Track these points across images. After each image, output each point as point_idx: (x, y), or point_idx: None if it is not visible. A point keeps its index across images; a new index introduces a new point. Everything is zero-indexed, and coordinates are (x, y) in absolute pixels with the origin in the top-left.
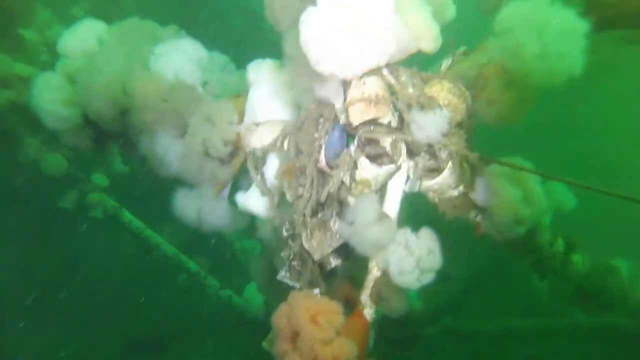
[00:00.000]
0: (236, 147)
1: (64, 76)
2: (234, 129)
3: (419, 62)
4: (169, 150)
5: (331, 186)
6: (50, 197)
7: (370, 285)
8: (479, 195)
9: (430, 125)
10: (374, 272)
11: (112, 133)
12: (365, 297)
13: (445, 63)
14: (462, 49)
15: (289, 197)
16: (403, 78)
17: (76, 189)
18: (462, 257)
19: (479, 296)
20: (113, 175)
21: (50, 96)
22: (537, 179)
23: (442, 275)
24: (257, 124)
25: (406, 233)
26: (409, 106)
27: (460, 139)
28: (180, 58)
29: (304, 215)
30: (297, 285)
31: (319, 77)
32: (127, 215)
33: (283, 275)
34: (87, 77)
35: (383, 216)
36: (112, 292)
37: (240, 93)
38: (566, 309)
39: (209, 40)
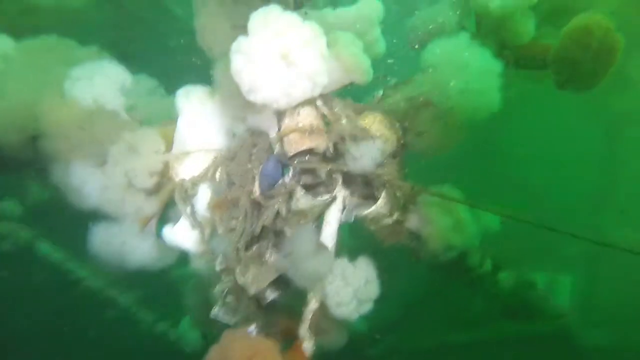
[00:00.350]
0: (164, 177)
1: None
2: (161, 159)
3: (353, 93)
4: (87, 182)
5: (265, 219)
6: None
7: (309, 318)
8: (412, 222)
9: (363, 156)
10: (313, 304)
11: (21, 159)
12: (304, 330)
13: (378, 95)
14: (393, 81)
15: (220, 230)
16: (337, 109)
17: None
18: (402, 276)
19: (419, 314)
20: (29, 202)
21: None
22: (466, 206)
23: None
24: (187, 153)
25: (343, 263)
26: (343, 137)
27: (393, 169)
28: (100, 82)
29: (237, 249)
30: (232, 322)
31: (251, 106)
32: (44, 248)
33: (217, 312)
34: None
35: (320, 247)
36: (31, 331)
37: (171, 120)
38: (498, 321)
39: (143, 63)
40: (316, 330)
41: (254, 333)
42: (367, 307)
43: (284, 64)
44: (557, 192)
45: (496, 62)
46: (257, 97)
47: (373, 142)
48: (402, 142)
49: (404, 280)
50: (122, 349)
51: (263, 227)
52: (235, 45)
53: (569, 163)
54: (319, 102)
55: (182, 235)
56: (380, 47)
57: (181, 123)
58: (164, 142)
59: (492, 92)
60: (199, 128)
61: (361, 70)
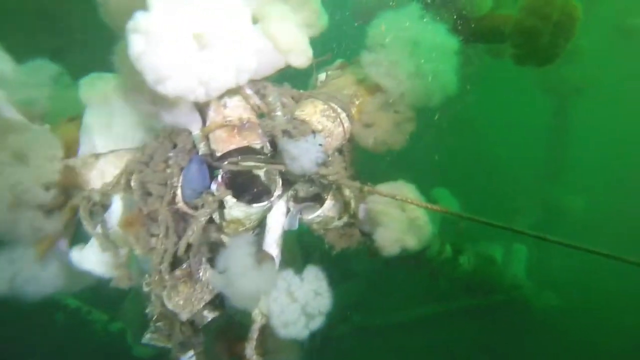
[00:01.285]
0: (71, 187)
1: None
2: (56, 167)
3: (290, 78)
4: None
5: (191, 234)
6: None
7: (255, 337)
8: (364, 225)
9: (303, 155)
10: (259, 321)
11: None
12: (250, 350)
13: (320, 78)
14: (338, 62)
15: (137, 251)
16: (270, 98)
17: None
18: (364, 253)
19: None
20: None
21: None
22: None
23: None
24: (96, 156)
25: (288, 277)
26: (278, 132)
27: (339, 167)
28: None
29: (160, 272)
30: (168, 346)
31: (163, 99)
32: None
33: (148, 338)
34: None
35: (262, 259)
36: None
37: (77, 115)
38: (461, 296)
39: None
40: (264, 350)
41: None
42: (318, 321)
43: (197, 45)
44: (515, 162)
45: (452, 37)
46: (166, 89)
47: (313, 137)
48: (347, 135)
49: (366, 262)
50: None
51: (189, 245)
52: (131, 23)
53: (523, 134)
54: (249, 91)
55: (92, 259)
56: (323, 21)
57: (86, 119)
58: (66, 143)
59: (448, 73)
60: (109, 124)
61: (298, 50)
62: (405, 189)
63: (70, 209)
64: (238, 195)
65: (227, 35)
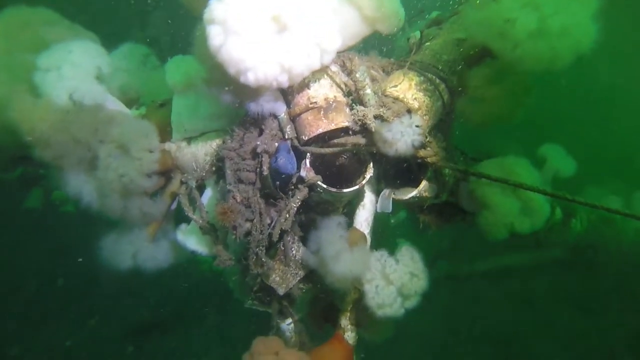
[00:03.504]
0: (167, 171)
1: None
2: (155, 157)
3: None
4: (82, 191)
5: (284, 222)
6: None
7: (349, 308)
8: (466, 203)
9: (398, 139)
10: (352, 295)
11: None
12: (345, 320)
13: (412, 39)
14: (433, 15)
15: (234, 237)
16: (358, 74)
17: (40, 187)
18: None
19: (470, 239)
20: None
21: None
22: (534, 175)
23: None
24: (189, 140)
25: (383, 258)
26: (369, 120)
27: (437, 146)
28: (72, 73)
29: (257, 255)
30: (269, 310)
31: (245, 88)
32: None
33: (250, 303)
34: None
35: (354, 238)
36: (105, 279)
37: (164, 100)
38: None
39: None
40: (358, 321)
41: (291, 328)
42: (414, 301)
43: (276, 28)
44: None
45: None
46: (248, 80)
47: (409, 118)
48: (449, 110)
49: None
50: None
51: (282, 231)
52: (207, 13)
53: None
54: (334, 67)
55: (195, 241)
56: None
57: (175, 104)
58: (160, 128)
59: (583, 25)
60: (195, 109)
61: (387, 14)
62: (517, 167)
63: (171, 194)
64: (328, 179)
65: (307, 13)
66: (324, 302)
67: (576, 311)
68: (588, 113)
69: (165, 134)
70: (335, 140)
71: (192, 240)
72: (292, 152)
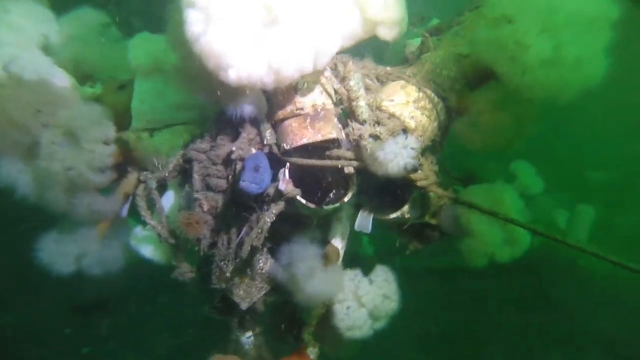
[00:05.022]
0: (123, 162)
1: None
2: (110, 150)
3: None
4: (17, 181)
5: (255, 237)
6: None
7: (314, 323)
8: (448, 225)
9: (390, 160)
10: (319, 310)
11: None
12: (308, 335)
13: (410, 48)
14: (433, 22)
15: (199, 249)
16: (352, 82)
17: None
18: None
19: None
20: None
21: None
22: (519, 205)
23: None
24: (151, 132)
25: (356, 278)
26: (364, 140)
27: (429, 169)
28: (9, 38)
29: (221, 269)
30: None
31: (224, 85)
32: None
33: (209, 312)
34: None
35: (330, 260)
36: None
37: (124, 81)
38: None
39: None
40: (321, 337)
41: (251, 341)
42: (383, 322)
43: (266, 20)
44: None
45: (612, 3)
46: (229, 77)
47: (405, 138)
48: (443, 131)
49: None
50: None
51: (252, 248)
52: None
53: None
54: (327, 72)
55: (151, 247)
56: None
57: (138, 88)
58: (117, 114)
59: (595, 61)
60: (161, 95)
61: (392, 20)
62: (505, 196)
63: (126, 192)
64: (305, 188)
65: (303, 6)
66: (287, 313)
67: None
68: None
69: (122, 120)
70: (327, 153)
71: (147, 247)
72: (262, 168)
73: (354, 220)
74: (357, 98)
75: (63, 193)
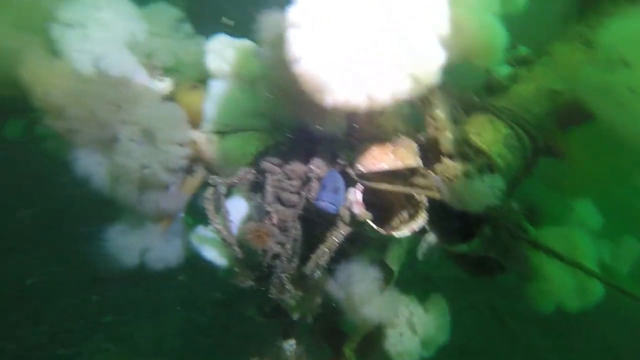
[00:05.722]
0: (192, 159)
1: None
2: (185, 152)
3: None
4: (93, 172)
5: (321, 257)
6: None
7: (357, 340)
8: (515, 264)
9: (473, 198)
10: (365, 328)
11: None
12: (349, 351)
13: (495, 74)
14: (522, 51)
15: (263, 260)
16: (439, 110)
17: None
18: None
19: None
20: None
21: None
22: (591, 253)
23: None
24: (222, 135)
25: (411, 306)
26: (457, 174)
27: (510, 206)
28: (99, 35)
29: (280, 281)
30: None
31: (313, 104)
32: None
33: (257, 315)
34: None
35: (387, 284)
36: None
37: (198, 81)
38: None
39: None
40: (364, 354)
41: (293, 349)
42: (432, 351)
43: (369, 48)
44: None
45: None
46: (326, 101)
47: (491, 177)
48: (527, 171)
49: None
50: None
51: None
52: (293, 13)
53: None
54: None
55: (213, 249)
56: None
57: (213, 92)
58: (189, 113)
59: None
60: (235, 101)
61: (493, 47)
62: (580, 243)
63: (193, 185)
64: (370, 208)
65: (407, 35)
66: (330, 324)
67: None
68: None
69: (194, 120)
70: (403, 179)
71: (209, 249)
72: (340, 189)
73: (412, 243)
74: (443, 128)
75: (135, 188)
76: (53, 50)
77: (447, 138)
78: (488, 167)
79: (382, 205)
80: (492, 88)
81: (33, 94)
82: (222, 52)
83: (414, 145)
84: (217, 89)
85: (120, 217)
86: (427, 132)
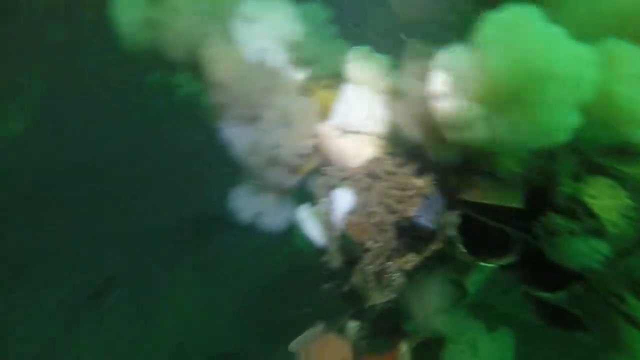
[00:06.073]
0: (313, 149)
1: None
2: (312, 143)
3: None
4: (236, 140)
5: (406, 264)
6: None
7: (417, 341)
8: (602, 333)
9: (571, 256)
10: (426, 333)
11: None
12: (406, 347)
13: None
14: None
15: (354, 250)
16: (556, 164)
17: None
18: None
19: None
20: None
21: (127, 16)
22: None
23: None
24: (344, 133)
25: (479, 332)
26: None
27: (609, 273)
28: (268, 32)
29: (364, 273)
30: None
31: (439, 135)
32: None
33: (332, 291)
34: (164, 15)
35: (457, 302)
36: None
37: (332, 81)
38: None
39: None
40: (418, 356)
41: (356, 329)
42: None
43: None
44: None
45: None
46: (460, 139)
47: (597, 240)
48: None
49: None
50: None
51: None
52: (439, 58)
53: None
54: None
55: (313, 229)
56: None
57: (347, 95)
58: (320, 109)
59: None
60: (363, 108)
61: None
62: None
63: (309, 168)
64: (468, 242)
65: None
66: (393, 318)
67: None
68: None
69: (323, 114)
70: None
71: (310, 224)
72: (440, 211)
73: (495, 274)
74: (557, 182)
75: (264, 161)
76: (229, 37)
77: (558, 192)
78: (597, 231)
79: (476, 233)
80: (624, 153)
81: (207, 70)
82: (361, 62)
83: (522, 188)
84: (349, 93)
85: (245, 181)
86: (539, 179)
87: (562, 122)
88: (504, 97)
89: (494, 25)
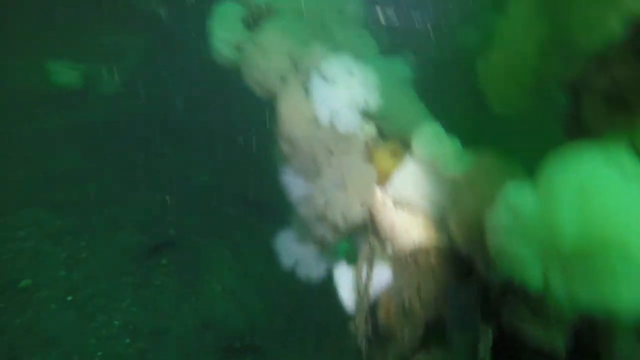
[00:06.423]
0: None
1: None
2: (362, 213)
3: None
4: (294, 189)
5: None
6: None
7: None
8: None
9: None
10: None
11: None
12: None
13: None
14: None
15: (380, 330)
16: None
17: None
18: None
19: None
20: None
21: (222, 32)
22: None
23: None
24: (396, 204)
25: None
26: None
27: None
28: (342, 95)
29: (385, 357)
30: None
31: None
32: None
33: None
34: (253, 47)
35: None
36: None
37: (399, 149)
38: None
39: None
40: None
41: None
42: None
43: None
44: None
45: None
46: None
47: None
48: None
49: None
50: None
51: None
52: (505, 189)
53: None
54: None
55: (345, 286)
56: None
57: (406, 168)
58: (379, 174)
59: None
60: (421, 183)
61: None
62: None
63: (354, 227)
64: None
65: None
66: None
67: None
68: None
69: (381, 180)
70: None
71: (344, 285)
72: (474, 321)
73: None
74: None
75: (315, 215)
76: (305, 91)
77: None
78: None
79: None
80: None
81: (279, 117)
82: (430, 139)
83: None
84: (411, 167)
85: (294, 227)
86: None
87: (629, 300)
88: (567, 257)
89: (567, 182)
